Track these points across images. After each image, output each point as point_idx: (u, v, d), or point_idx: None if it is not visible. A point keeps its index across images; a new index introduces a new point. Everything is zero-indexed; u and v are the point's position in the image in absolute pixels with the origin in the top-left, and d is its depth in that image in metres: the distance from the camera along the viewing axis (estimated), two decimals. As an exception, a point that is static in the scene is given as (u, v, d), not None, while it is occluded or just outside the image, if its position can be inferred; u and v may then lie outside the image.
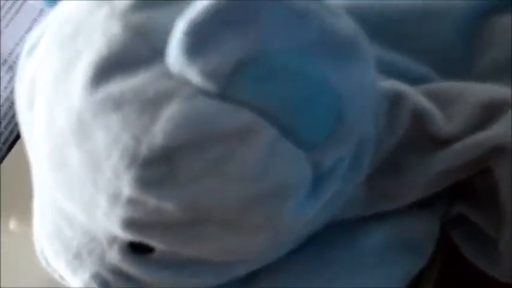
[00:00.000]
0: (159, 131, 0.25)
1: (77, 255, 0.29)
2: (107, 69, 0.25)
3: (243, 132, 0.25)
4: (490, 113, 0.29)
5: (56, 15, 0.29)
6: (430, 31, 0.33)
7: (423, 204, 0.32)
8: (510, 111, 0.28)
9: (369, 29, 0.30)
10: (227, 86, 0.24)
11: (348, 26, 0.26)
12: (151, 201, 0.26)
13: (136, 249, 0.28)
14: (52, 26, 0.29)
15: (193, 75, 0.24)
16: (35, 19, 0.48)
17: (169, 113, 0.24)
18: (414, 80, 0.32)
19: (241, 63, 0.24)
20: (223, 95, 0.24)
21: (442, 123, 0.29)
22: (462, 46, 0.33)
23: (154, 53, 0.25)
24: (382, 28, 0.32)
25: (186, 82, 0.24)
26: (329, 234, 0.31)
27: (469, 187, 0.31)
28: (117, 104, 0.25)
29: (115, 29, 0.25)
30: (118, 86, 0.25)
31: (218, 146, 0.25)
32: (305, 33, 0.25)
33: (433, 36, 0.32)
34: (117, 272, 0.29)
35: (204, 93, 0.24)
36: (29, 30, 0.48)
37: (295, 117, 0.25)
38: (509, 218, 0.29)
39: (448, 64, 0.32)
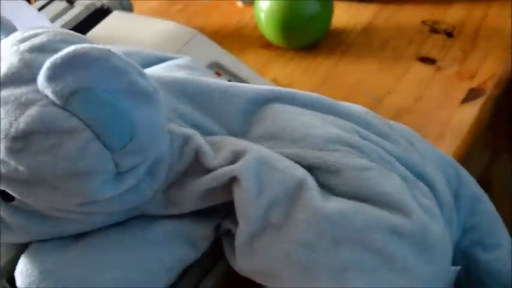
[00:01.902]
0: (23, 121, 0.43)
1: None
2: (4, 81, 0.44)
3: (70, 131, 0.43)
4: (236, 155, 0.47)
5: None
6: (227, 105, 0.51)
7: (204, 214, 0.49)
8: (246, 156, 0.46)
9: (186, 96, 0.50)
10: (66, 102, 0.42)
11: (148, 83, 0.44)
12: (12, 163, 0.43)
13: (4, 197, 0.46)
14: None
15: (49, 93, 0.42)
16: None
17: (31, 112, 0.43)
18: (208, 134, 0.49)
19: (76, 90, 0.42)
20: (63, 107, 0.43)
21: (211, 160, 0.47)
22: (244, 119, 0.51)
23: (33, 77, 0.44)
24: (195, 96, 0.51)
25: (45, 96, 0.43)
26: (134, 219, 0.49)
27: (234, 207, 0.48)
28: (5, 102, 0.43)
29: (15, 60, 0.44)
30: (8, 91, 0.43)
31: (55, 137, 0.43)
32: (119, 82, 0.43)
33: (227, 109, 0.51)
34: None
35: (53, 104, 0.43)
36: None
37: (104, 129, 0.43)
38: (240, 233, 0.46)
39: (233, 128, 0.50)
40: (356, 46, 0.83)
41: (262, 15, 0.81)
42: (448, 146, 0.69)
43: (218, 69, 0.68)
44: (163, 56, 0.59)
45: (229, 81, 0.68)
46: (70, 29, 0.76)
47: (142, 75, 0.45)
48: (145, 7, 0.97)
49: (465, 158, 0.70)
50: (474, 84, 0.74)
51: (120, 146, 0.44)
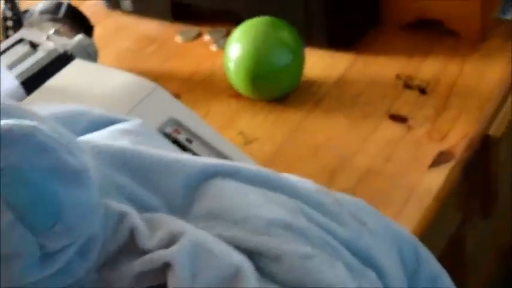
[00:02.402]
0: None
1: None
2: None
3: (-8, 212, 0.40)
4: (173, 238, 0.44)
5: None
6: (169, 179, 0.48)
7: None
8: (182, 239, 0.43)
9: (127, 167, 0.48)
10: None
11: (78, 161, 0.42)
12: None
13: None
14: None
15: None
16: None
17: None
18: (147, 208, 0.47)
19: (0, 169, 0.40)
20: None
21: (147, 240, 0.45)
22: (187, 194, 0.48)
23: None
24: (136, 169, 0.48)
25: None
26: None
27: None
28: None
29: None
30: None
31: None
32: (45, 160, 0.41)
33: (168, 183, 0.48)
34: None
35: None
36: None
37: (28, 211, 0.41)
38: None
39: (175, 204, 0.48)
40: (327, 99, 0.80)
41: (231, 65, 0.79)
42: (414, 212, 0.67)
43: (177, 126, 0.66)
44: (112, 118, 0.56)
45: (187, 139, 0.66)
46: (31, 75, 0.75)
47: (72, 151, 0.43)
48: (119, 47, 0.95)
49: (432, 223, 0.68)
50: (444, 146, 0.72)
51: (45, 228, 0.41)
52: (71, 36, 0.87)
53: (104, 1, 1.01)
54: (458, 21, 0.85)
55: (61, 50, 0.75)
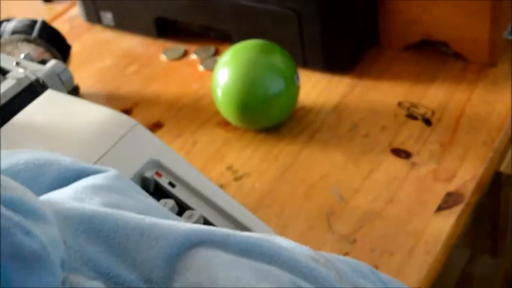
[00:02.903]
0: None
1: None
2: None
3: None
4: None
5: None
6: (146, 248, 0.42)
7: None
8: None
9: (97, 235, 0.41)
10: None
11: (36, 243, 0.36)
12: None
13: None
14: None
15: None
16: None
17: None
18: (121, 283, 0.41)
19: None
20: None
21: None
22: (167, 265, 0.42)
23: None
24: (108, 237, 0.42)
25: None
26: None
27: None
28: None
29: None
30: None
31: None
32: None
33: (146, 253, 0.42)
34: None
35: None
36: None
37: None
38: None
39: (153, 276, 0.42)
40: (323, 130, 0.74)
41: (219, 91, 0.73)
42: (421, 261, 0.61)
43: (158, 168, 0.59)
44: (84, 168, 0.50)
45: (169, 183, 0.60)
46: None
47: (28, 231, 0.36)
48: (99, 66, 0.88)
49: (439, 275, 0.62)
50: (452, 186, 0.66)
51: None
52: (46, 58, 0.81)
53: (84, 14, 0.94)
54: (465, 43, 0.78)
55: (32, 78, 0.68)
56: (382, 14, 0.81)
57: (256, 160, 0.72)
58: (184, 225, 0.45)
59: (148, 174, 0.59)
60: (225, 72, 0.72)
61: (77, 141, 0.59)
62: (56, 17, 0.98)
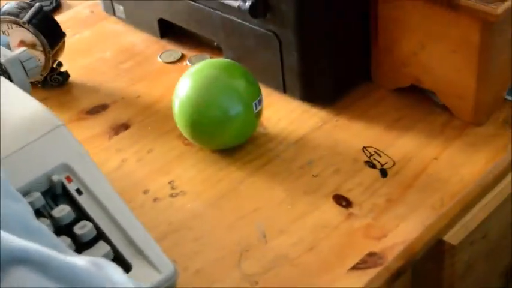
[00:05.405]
0: None
1: None
2: None
3: None
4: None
5: None
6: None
7: None
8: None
9: None
10: None
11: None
12: None
13: None
14: None
15: None
16: None
17: None
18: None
19: None
20: None
21: None
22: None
23: None
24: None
25: None
26: None
27: None
28: None
29: None
30: None
31: None
32: None
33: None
34: None
35: None
36: None
37: None
38: None
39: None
40: (276, 162, 0.71)
41: (176, 102, 0.71)
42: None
43: (69, 173, 0.59)
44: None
45: (77, 190, 0.59)
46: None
47: None
48: (98, 56, 0.89)
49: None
50: (377, 247, 0.62)
51: None
52: (35, 43, 0.83)
53: (102, 4, 0.95)
54: (452, 97, 0.73)
55: (-5, 62, 0.69)
56: (374, 51, 0.77)
57: (198, 180, 0.70)
58: (15, 241, 0.44)
59: (56, 177, 0.59)
60: (186, 83, 0.71)
61: (2, 130, 0.60)
62: (82, 1, 1.00)
